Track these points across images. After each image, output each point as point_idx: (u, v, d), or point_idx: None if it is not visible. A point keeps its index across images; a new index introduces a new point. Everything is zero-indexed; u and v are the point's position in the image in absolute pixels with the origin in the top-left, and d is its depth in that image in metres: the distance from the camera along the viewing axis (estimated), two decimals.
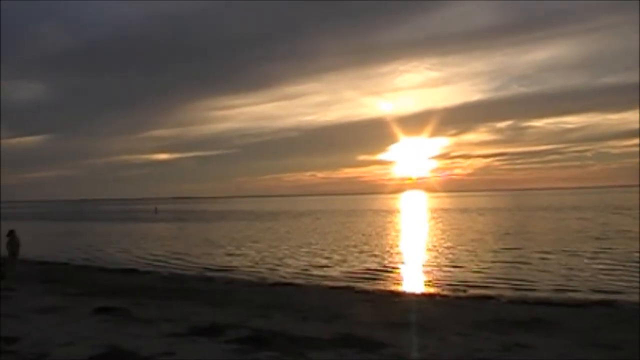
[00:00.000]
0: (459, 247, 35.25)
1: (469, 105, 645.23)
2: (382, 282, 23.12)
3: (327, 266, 28.24)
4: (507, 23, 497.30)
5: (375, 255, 32.21)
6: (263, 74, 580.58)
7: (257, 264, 29.74)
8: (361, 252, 34.21)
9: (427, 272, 25.87)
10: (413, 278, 24.81)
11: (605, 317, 14.44)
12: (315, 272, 26.39)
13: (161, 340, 10.88)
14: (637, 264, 25.05)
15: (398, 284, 23.06)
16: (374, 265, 27.88)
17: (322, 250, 35.69)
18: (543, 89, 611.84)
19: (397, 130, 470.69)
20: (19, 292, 18.21)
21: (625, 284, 20.85)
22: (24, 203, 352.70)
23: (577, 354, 10.23)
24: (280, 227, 62.65)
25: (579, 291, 19.88)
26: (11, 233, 22.79)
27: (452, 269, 26.05)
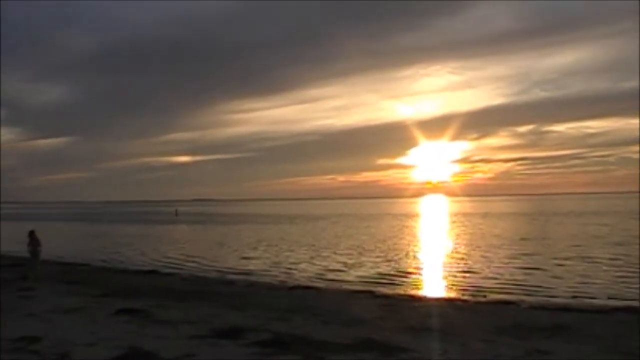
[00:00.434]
0: (478, 252, 35.03)
1: (490, 109, 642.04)
2: (401, 286, 23.00)
3: (345, 270, 28.14)
4: (529, 27, 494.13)
5: (394, 260, 32.06)
6: (283, 77, 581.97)
7: (275, 267, 29.71)
8: (380, 256, 34.07)
9: (446, 277, 25.74)
10: (432, 283, 24.69)
11: (628, 323, 14.24)
12: (334, 275, 26.29)
13: (182, 342, 10.93)
14: None
15: (417, 288, 22.93)
16: (392, 270, 27.75)
17: (341, 253, 35.59)
18: (565, 93, 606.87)
19: (417, 134, 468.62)
20: (41, 292, 18.37)
21: None
22: (46, 204, 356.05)
23: None
24: (298, 230, 62.63)
25: (597, 298, 19.64)
26: (31, 234, 22.98)
27: (471, 274, 25.86)
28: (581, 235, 46.12)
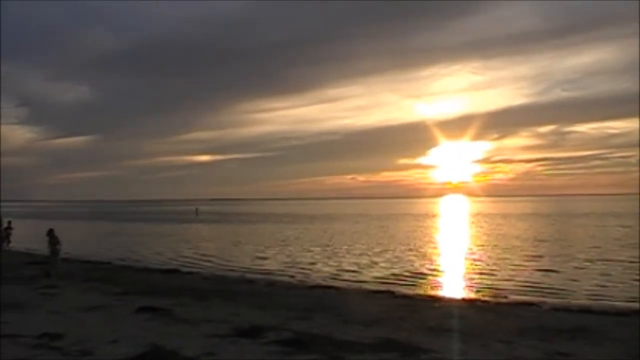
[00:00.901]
0: (497, 253, 34.86)
1: (511, 110, 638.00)
2: (421, 286, 22.95)
3: (364, 270, 28.11)
4: (551, 27, 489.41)
5: (413, 260, 32.00)
6: (303, 76, 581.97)
7: (294, 266, 29.74)
8: (399, 256, 34.01)
9: (465, 278, 25.64)
10: (452, 283, 24.58)
11: None
12: (353, 275, 26.29)
13: (203, 340, 10.97)
14: None
15: (437, 288, 22.85)
16: (412, 270, 27.69)
17: (360, 253, 35.57)
18: (586, 94, 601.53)
19: (437, 134, 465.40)
20: (63, 290, 18.54)
21: None
22: (68, 203, 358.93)
23: None
24: (317, 230, 62.63)
25: (616, 300, 19.43)
26: (50, 232, 23.17)
27: (490, 275, 25.74)
28: (601, 237, 45.70)
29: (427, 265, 29.57)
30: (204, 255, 35.78)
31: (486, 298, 19.90)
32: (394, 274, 26.26)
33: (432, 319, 14.35)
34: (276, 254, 36.28)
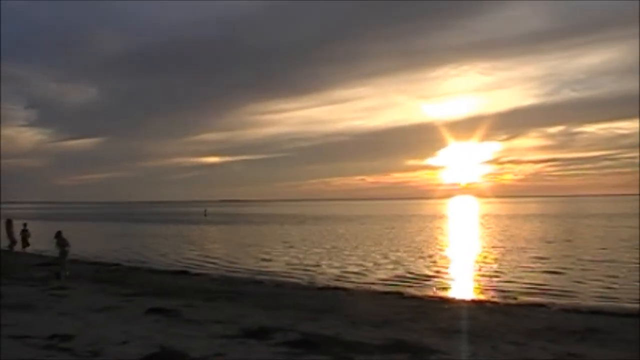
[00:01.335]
0: (506, 254, 34.77)
1: (520, 110, 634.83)
2: (430, 288, 22.91)
3: (372, 271, 28.09)
4: (559, 27, 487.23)
5: (422, 261, 31.95)
6: (312, 77, 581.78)
7: (302, 267, 29.76)
8: (407, 257, 33.97)
9: (474, 279, 25.63)
10: (461, 284, 24.53)
11: None
12: (361, 276, 26.26)
13: (212, 341, 11.00)
14: None
15: (446, 290, 22.81)
16: (421, 271, 27.63)
17: (368, 254, 35.54)
18: (596, 94, 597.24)
19: (446, 134, 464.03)
20: (73, 292, 18.63)
21: None
22: (77, 204, 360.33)
23: None
24: (325, 231, 62.63)
25: (626, 301, 19.35)
26: (58, 234, 23.28)
27: (499, 276, 25.65)
28: (610, 238, 45.46)
29: (436, 267, 29.51)
30: (212, 256, 35.80)
31: (495, 299, 19.85)
32: (402, 275, 26.21)
33: (442, 321, 14.34)
34: (284, 255, 36.29)
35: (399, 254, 35.92)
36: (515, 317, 15.57)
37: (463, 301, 19.60)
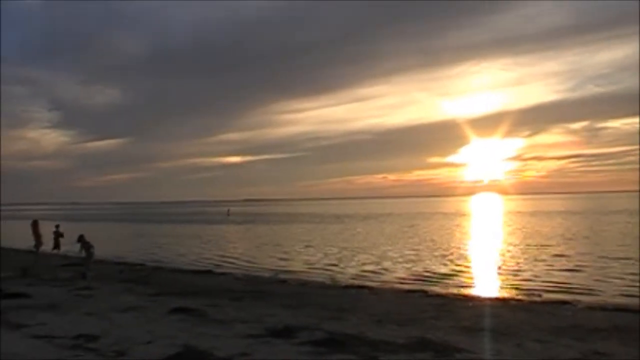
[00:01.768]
0: (528, 251, 34.65)
1: (542, 106, 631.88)
2: (453, 285, 22.78)
3: (395, 269, 28.02)
4: (581, 22, 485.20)
5: (445, 258, 31.86)
6: (333, 76, 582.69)
7: (325, 266, 29.78)
8: (429, 255, 33.90)
9: (497, 276, 25.45)
10: (484, 282, 24.40)
11: None
12: (384, 274, 26.22)
13: (236, 341, 11.00)
14: None
15: (470, 287, 22.68)
16: (443, 269, 27.55)
17: (390, 253, 35.48)
18: (619, 89, 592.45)
19: (468, 132, 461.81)
20: (98, 292, 18.73)
21: None
22: (101, 205, 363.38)
23: None
24: (348, 229, 62.64)
25: None
26: (81, 238, 23.44)
27: (522, 273, 25.48)
28: (633, 235, 44.93)
29: (458, 264, 29.38)
30: (235, 255, 35.95)
31: (520, 297, 19.69)
32: (424, 273, 26.11)
33: (466, 319, 14.22)
34: (307, 253, 36.36)
35: (421, 252, 35.82)
36: (540, 314, 15.41)
37: (487, 299, 19.46)
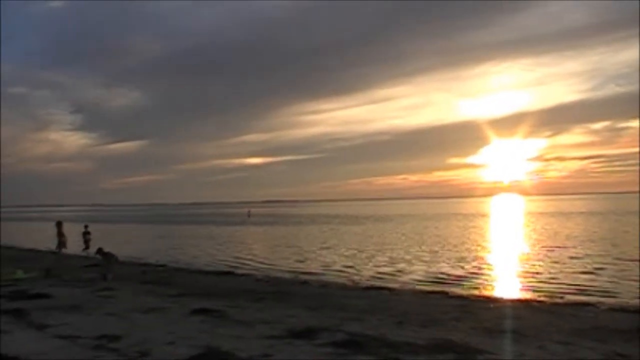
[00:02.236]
0: (548, 252, 34.44)
1: (563, 106, 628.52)
2: (475, 287, 22.68)
3: (414, 270, 27.96)
4: (601, 21, 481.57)
5: (464, 260, 31.75)
6: (353, 77, 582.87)
7: (346, 267, 29.76)
8: (449, 256, 33.80)
9: (518, 278, 25.33)
10: (504, 283, 24.27)
11: None
12: (404, 275, 26.19)
13: (258, 342, 11.02)
14: None
15: (491, 289, 22.57)
16: (465, 270, 27.49)
17: (410, 253, 35.44)
18: None
19: (488, 132, 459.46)
20: (120, 292, 18.85)
21: None
22: (122, 206, 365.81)
23: None
24: (367, 230, 62.66)
25: None
26: (100, 251, 23.78)
27: (543, 275, 25.34)
28: None
29: (480, 265, 29.24)
30: (256, 257, 36.04)
31: (541, 298, 19.55)
32: (444, 274, 26.06)
33: (488, 320, 14.14)
34: (327, 255, 36.36)
35: (440, 253, 35.78)
36: (562, 316, 15.29)
37: (508, 300, 19.32)
